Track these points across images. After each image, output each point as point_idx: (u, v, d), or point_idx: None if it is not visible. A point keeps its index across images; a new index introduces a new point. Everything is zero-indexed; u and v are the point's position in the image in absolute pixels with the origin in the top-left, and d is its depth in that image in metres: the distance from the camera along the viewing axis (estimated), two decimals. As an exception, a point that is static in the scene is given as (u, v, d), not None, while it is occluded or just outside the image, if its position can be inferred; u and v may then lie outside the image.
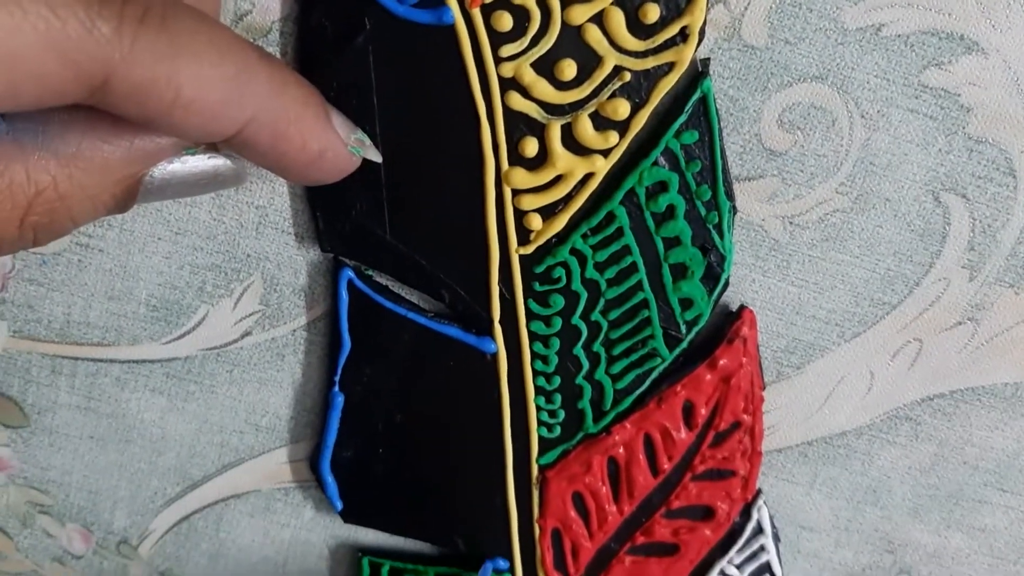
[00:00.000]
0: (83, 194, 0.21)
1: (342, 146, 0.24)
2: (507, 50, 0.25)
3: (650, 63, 0.26)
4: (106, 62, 0.18)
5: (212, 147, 0.23)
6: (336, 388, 0.30)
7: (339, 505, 0.32)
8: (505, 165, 0.27)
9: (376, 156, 0.26)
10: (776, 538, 0.33)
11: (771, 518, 0.33)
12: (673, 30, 0.25)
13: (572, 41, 0.25)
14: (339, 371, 0.30)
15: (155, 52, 0.19)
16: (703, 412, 0.30)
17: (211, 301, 0.30)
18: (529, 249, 0.28)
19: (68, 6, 0.18)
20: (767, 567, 0.33)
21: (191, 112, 0.20)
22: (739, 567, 0.33)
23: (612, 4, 0.25)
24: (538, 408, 0.30)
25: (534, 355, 0.29)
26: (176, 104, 0.19)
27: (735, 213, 0.28)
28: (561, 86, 0.26)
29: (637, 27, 0.25)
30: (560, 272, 0.28)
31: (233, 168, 0.23)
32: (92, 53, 0.18)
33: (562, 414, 0.30)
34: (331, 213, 0.28)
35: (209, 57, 0.20)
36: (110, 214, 0.22)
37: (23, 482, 0.33)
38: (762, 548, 0.33)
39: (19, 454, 0.33)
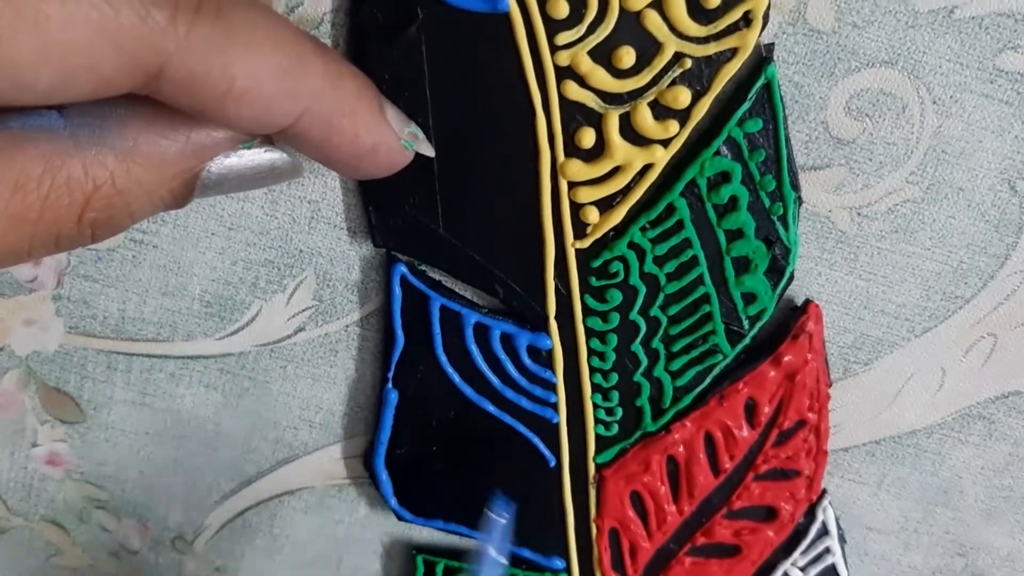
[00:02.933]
0: (141, 189, 0.21)
1: (395, 140, 0.24)
2: (563, 38, 0.25)
3: (712, 49, 0.25)
4: (161, 51, 0.18)
5: (268, 140, 0.23)
6: (390, 384, 0.30)
7: (393, 502, 0.32)
8: (561, 156, 0.26)
9: (429, 150, 0.26)
10: (842, 540, 0.32)
11: (837, 519, 0.32)
12: (736, 15, 0.24)
13: (630, 27, 0.25)
14: (392, 367, 0.30)
15: (210, 42, 0.19)
16: (766, 410, 0.29)
17: (264, 297, 0.30)
18: (586, 243, 0.28)
19: None
20: (832, 570, 0.32)
21: (244, 103, 0.20)
22: (803, 569, 0.32)
23: (672, -12, 0.24)
24: (595, 406, 0.30)
25: (591, 352, 0.29)
26: (230, 95, 0.19)
27: (800, 204, 0.27)
28: (619, 74, 0.25)
29: (698, 12, 0.25)
30: (618, 266, 0.28)
31: (290, 161, 0.23)
32: (147, 42, 0.18)
33: (620, 412, 0.30)
34: (384, 208, 0.28)
35: (264, 47, 0.20)
36: (168, 209, 0.22)
37: (79, 477, 0.34)
38: (827, 550, 0.32)
39: (75, 450, 0.33)
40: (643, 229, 0.27)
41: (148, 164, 0.21)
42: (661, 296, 0.28)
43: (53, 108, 0.20)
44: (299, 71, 0.20)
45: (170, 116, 0.21)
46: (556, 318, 0.29)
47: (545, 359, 0.29)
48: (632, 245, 0.27)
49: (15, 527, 0.35)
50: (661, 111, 0.26)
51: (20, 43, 0.17)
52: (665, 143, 0.26)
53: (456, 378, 0.30)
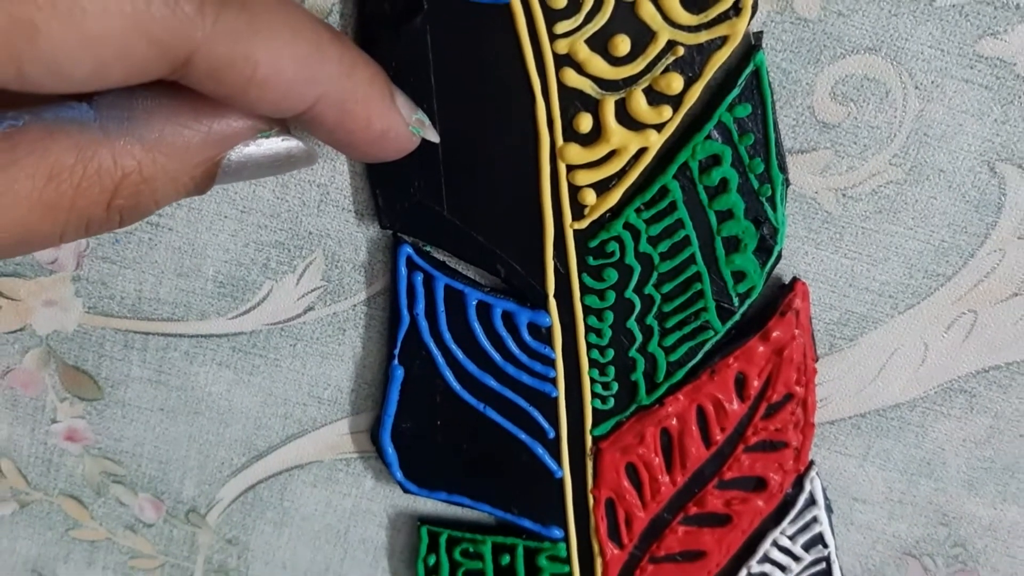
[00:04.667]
0: (166, 177, 0.22)
1: (404, 126, 0.24)
2: (562, 27, 0.26)
3: (703, 37, 0.26)
4: (189, 41, 0.19)
5: (285, 130, 0.23)
6: (396, 361, 0.31)
7: (399, 475, 0.32)
8: (560, 141, 0.27)
9: (434, 136, 0.26)
10: (829, 510, 0.33)
11: (824, 490, 0.33)
12: (726, 3, 0.25)
13: (626, 16, 0.25)
14: (398, 345, 0.30)
15: (235, 31, 0.19)
16: (755, 384, 0.30)
17: (275, 277, 0.31)
18: (583, 224, 0.28)
19: None
20: (819, 538, 0.33)
21: (266, 89, 0.20)
22: (791, 538, 0.33)
23: (665, -21, 0.25)
24: (592, 380, 0.30)
25: (588, 328, 0.30)
26: (252, 81, 0.20)
27: (788, 186, 0.28)
28: (615, 62, 0.26)
29: (690, 1, 0.25)
30: (614, 246, 0.28)
31: (305, 149, 0.24)
32: (176, 32, 0.19)
33: (615, 386, 0.31)
34: (390, 191, 0.28)
35: (285, 36, 0.20)
36: (190, 195, 0.23)
37: (97, 452, 0.34)
38: (815, 519, 0.33)
39: (93, 426, 0.34)
40: (638, 210, 0.28)
41: (173, 153, 0.21)
42: (655, 275, 0.29)
43: (83, 100, 0.21)
44: (317, 58, 0.21)
45: (193, 107, 0.22)
46: (555, 296, 0.29)
47: (544, 336, 0.30)
48: (627, 226, 0.28)
49: (35, 501, 0.36)
50: (655, 97, 0.26)
51: (59, 36, 0.18)
52: (659, 127, 0.27)
53: (459, 354, 0.30)
